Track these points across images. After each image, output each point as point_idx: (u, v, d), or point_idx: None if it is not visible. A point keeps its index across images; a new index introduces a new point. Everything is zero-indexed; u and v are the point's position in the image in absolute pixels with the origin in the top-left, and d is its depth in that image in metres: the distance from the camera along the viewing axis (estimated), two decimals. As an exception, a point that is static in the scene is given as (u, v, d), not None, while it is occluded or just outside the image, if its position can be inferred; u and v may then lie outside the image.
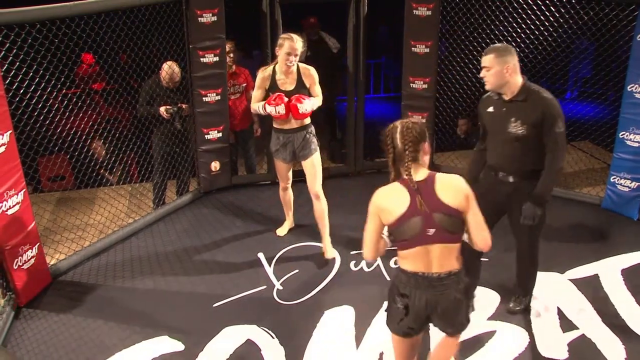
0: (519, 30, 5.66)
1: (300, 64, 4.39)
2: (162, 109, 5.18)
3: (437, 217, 2.61)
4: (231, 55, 5.57)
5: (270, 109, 4.31)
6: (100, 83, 5.81)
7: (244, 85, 5.76)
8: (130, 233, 5.07)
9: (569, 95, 8.34)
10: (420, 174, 2.68)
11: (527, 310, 3.97)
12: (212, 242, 4.98)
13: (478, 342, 3.72)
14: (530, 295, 4.02)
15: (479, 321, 3.90)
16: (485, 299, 4.13)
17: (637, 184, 5.18)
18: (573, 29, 5.64)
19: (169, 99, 5.24)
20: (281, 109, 4.27)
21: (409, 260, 2.69)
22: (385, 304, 2.89)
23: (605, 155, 6.33)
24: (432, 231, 2.61)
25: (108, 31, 4.56)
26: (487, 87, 3.53)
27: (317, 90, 4.48)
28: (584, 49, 6.74)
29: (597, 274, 4.42)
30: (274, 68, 4.39)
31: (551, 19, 5.51)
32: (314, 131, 4.57)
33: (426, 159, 2.74)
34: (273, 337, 3.80)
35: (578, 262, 4.55)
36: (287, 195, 4.97)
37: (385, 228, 2.74)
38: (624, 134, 5.20)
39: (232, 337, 3.82)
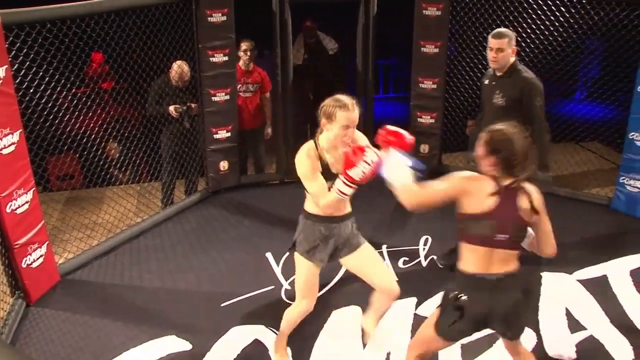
0: (529, 31, 5.64)
1: None
2: (171, 108, 5.20)
3: (512, 227, 2.64)
4: (248, 53, 5.59)
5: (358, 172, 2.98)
6: (109, 82, 5.84)
7: (258, 84, 5.77)
8: (138, 232, 5.08)
9: (579, 96, 8.29)
10: (519, 186, 2.66)
11: None
12: (220, 242, 4.99)
13: (486, 342, 3.70)
14: None
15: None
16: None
17: (646, 184, 5.16)
18: (583, 29, 5.61)
19: (178, 98, 5.26)
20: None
21: (470, 260, 2.70)
22: (437, 306, 2.88)
23: (614, 156, 6.30)
24: (502, 237, 2.63)
25: (118, 30, 4.58)
26: (494, 66, 4.08)
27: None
28: (593, 49, 6.70)
29: (605, 275, 4.40)
30: (315, 144, 3.14)
31: (561, 19, 5.49)
32: None
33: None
34: (280, 337, 3.80)
35: (586, 263, 4.52)
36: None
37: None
38: (633, 135, 5.17)
39: (239, 337, 3.83)
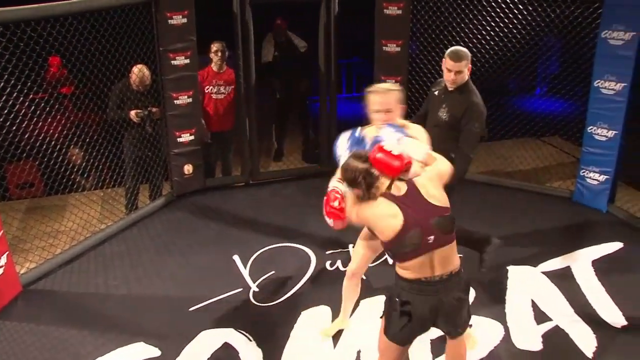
0: (488, 28, 5.73)
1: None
2: (133, 113, 5.12)
3: (434, 222, 2.62)
4: (219, 54, 5.57)
5: None
6: (69, 87, 5.73)
7: (231, 85, 5.74)
8: (103, 239, 5.00)
9: (538, 92, 8.45)
10: (402, 187, 2.66)
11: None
12: (187, 246, 4.93)
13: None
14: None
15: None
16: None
17: (606, 177, 5.28)
18: (540, 27, 5.73)
19: (139, 102, 5.18)
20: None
21: (411, 270, 2.67)
22: (382, 313, 2.87)
23: (574, 150, 6.43)
24: (431, 238, 2.61)
25: (76, 34, 4.49)
26: (451, 86, 3.93)
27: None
28: (551, 46, 6.83)
29: (569, 266, 4.50)
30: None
31: (519, 16, 5.59)
32: None
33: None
34: (250, 340, 3.78)
35: (550, 255, 4.61)
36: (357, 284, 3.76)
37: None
38: (592, 129, 5.29)
39: (209, 341, 3.79)
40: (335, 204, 2.93)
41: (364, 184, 2.64)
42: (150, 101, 5.27)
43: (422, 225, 2.60)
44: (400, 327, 2.73)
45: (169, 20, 5.14)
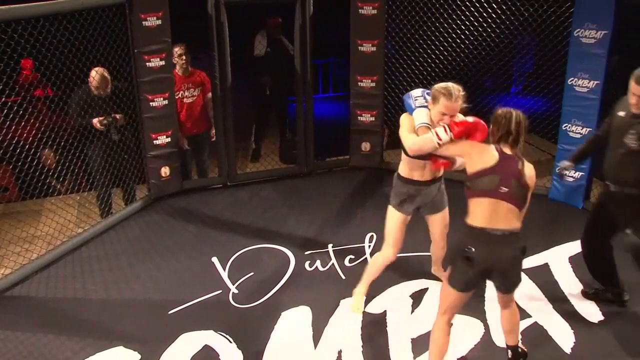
0: (463, 28, 5.77)
1: None
2: (96, 121, 4.98)
3: (513, 182, 3.01)
4: (184, 58, 5.49)
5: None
6: (42, 90, 5.64)
7: (200, 87, 5.69)
8: (80, 243, 4.93)
9: (514, 90, 8.53)
10: (508, 151, 3.09)
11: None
12: (165, 249, 4.90)
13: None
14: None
15: (434, 315, 3.94)
16: (438, 294, 4.18)
17: (581, 173, 5.35)
18: (515, 25, 5.78)
19: (101, 109, 5.03)
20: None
21: (478, 214, 3.03)
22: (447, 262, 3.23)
23: (550, 147, 6.50)
24: (505, 190, 3.00)
25: (48, 37, 4.42)
26: (636, 111, 3.57)
27: None
28: (525, 44, 6.90)
29: (547, 263, 4.55)
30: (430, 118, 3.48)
31: (494, 16, 5.64)
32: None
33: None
34: (231, 342, 3.77)
35: (528, 252, 4.61)
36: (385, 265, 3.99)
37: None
38: (566, 126, 5.36)
39: (189, 343, 3.76)
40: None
41: (504, 130, 3.07)
42: (113, 107, 5.11)
43: (504, 176, 3.01)
44: (462, 274, 3.08)
45: (143, 22, 5.09)
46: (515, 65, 7.54)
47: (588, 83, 5.12)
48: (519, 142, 3.10)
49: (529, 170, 3.11)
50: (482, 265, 3.03)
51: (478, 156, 3.07)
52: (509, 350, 3.41)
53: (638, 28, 5.11)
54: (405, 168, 3.72)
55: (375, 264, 3.98)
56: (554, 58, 5.57)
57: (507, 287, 3.21)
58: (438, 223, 3.93)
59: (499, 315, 3.42)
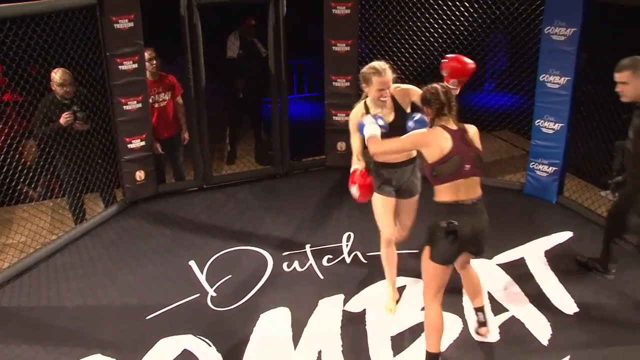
0: (436, 26, 5.81)
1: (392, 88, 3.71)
2: (62, 119, 4.83)
3: (472, 156, 3.22)
4: (154, 62, 5.43)
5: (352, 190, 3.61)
6: (10, 94, 5.53)
7: (169, 93, 5.64)
8: (54, 250, 4.85)
9: (487, 87, 8.61)
10: (454, 125, 3.27)
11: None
12: (141, 253, 4.85)
13: (414, 333, 3.79)
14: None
15: (413, 312, 3.97)
16: (418, 290, 4.19)
17: (554, 168, 5.41)
18: (487, 23, 5.84)
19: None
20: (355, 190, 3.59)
21: (449, 194, 3.22)
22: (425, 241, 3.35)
23: (524, 143, 6.57)
24: (468, 167, 3.20)
25: (16, 40, 4.34)
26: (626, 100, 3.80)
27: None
28: (498, 42, 6.97)
29: (523, 257, 4.59)
30: (365, 104, 3.79)
31: (466, 14, 5.69)
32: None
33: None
34: (210, 345, 3.74)
35: (504, 247, 4.70)
36: (393, 250, 4.06)
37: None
38: (539, 122, 5.42)
39: (168, 348, 3.73)
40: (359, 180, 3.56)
41: (437, 104, 3.24)
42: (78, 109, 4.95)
43: (463, 155, 3.19)
44: (445, 247, 3.24)
45: (115, 25, 5.02)
46: (488, 63, 7.61)
47: (559, 79, 5.18)
48: (454, 108, 3.29)
49: (474, 133, 3.32)
50: (465, 234, 3.21)
51: (435, 144, 3.20)
52: (479, 313, 3.69)
53: (607, 25, 5.19)
54: None
55: (382, 254, 4.03)
56: (525, 55, 5.63)
57: (482, 249, 3.40)
58: (409, 207, 3.99)
59: (465, 289, 3.72)
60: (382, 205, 3.88)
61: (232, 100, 6.77)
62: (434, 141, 3.21)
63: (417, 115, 3.52)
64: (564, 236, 4.87)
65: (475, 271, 3.68)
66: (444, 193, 3.24)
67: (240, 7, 6.24)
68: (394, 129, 3.55)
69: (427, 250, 3.31)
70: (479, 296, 3.71)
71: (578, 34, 4.95)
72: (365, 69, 3.69)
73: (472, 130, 3.33)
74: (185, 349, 3.72)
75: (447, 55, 3.69)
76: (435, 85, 3.32)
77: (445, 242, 3.22)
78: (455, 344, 3.69)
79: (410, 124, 3.50)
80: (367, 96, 3.76)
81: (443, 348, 3.62)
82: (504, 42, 7.05)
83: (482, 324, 3.72)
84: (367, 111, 3.72)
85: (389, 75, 3.63)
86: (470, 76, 3.63)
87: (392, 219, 3.93)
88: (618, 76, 3.76)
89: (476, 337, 3.73)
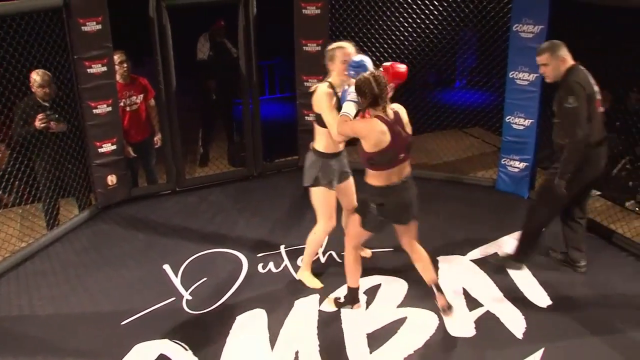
0: (406, 25, 5.84)
1: None
2: (37, 122, 4.77)
3: (406, 146, 3.50)
4: (124, 65, 5.36)
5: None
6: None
7: (142, 96, 5.58)
8: (24, 258, 4.76)
9: (458, 84, 8.69)
10: (390, 114, 3.47)
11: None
12: (115, 258, 4.78)
13: (390, 330, 3.80)
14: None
15: (389, 310, 3.99)
16: (393, 288, 4.22)
17: (525, 164, 5.48)
18: (456, 21, 5.89)
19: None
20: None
21: (383, 178, 3.51)
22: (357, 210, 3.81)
23: (495, 139, 6.65)
24: (402, 155, 3.49)
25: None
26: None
27: None
28: (467, 39, 7.04)
29: (496, 252, 4.63)
30: (330, 84, 3.88)
31: (435, 12, 5.74)
32: None
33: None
34: (186, 349, 3.71)
35: (478, 243, 4.75)
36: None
37: None
38: (509, 118, 5.48)
39: (144, 354, 3.69)
40: None
41: (370, 96, 3.38)
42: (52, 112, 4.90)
43: (399, 145, 3.45)
44: (375, 222, 3.67)
45: (82, 27, 4.95)
46: (458, 61, 7.68)
47: (528, 76, 5.26)
48: (386, 97, 3.45)
49: (404, 116, 3.58)
50: (393, 211, 3.59)
51: (372, 136, 3.40)
52: (434, 286, 3.82)
53: (573, 22, 5.26)
54: (328, 143, 3.95)
55: (318, 240, 4.26)
56: (495, 52, 5.70)
57: (410, 218, 3.69)
58: (349, 188, 4.23)
59: (416, 267, 3.88)
60: (329, 198, 4.08)
61: (204, 102, 6.73)
62: (371, 133, 3.41)
63: (351, 88, 3.64)
64: (536, 231, 4.92)
65: (421, 247, 3.86)
66: (376, 178, 3.53)
67: (210, 8, 6.20)
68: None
69: (358, 218, 3.73)
70: (429, 271, 3.85)
71: (545, 31, 5.03)
72: (328, 47, 3.95)
73: (402, 111, 3.57)
74: (161, 354, 3.68)
75: (384, 64, 3.79)
76: (366, 75, 3.44)
77: (374, 218, 3.63)
78: (431, 340, 3.72)
79: (348, 97, 3.62)
80: (329, 76, 3.93)
81: (421, 343, 3.66)
82: (474, 40, 7.12)
83: (442, 299, 3.81)
84: (333, 89, 3.85)
85: (352, 48, 3.87)
86: (404, 78, 3.74)
87: (335, 210, 4.14)
88: (538, 59, 4.07)
89: (451, 332, 3.76)
